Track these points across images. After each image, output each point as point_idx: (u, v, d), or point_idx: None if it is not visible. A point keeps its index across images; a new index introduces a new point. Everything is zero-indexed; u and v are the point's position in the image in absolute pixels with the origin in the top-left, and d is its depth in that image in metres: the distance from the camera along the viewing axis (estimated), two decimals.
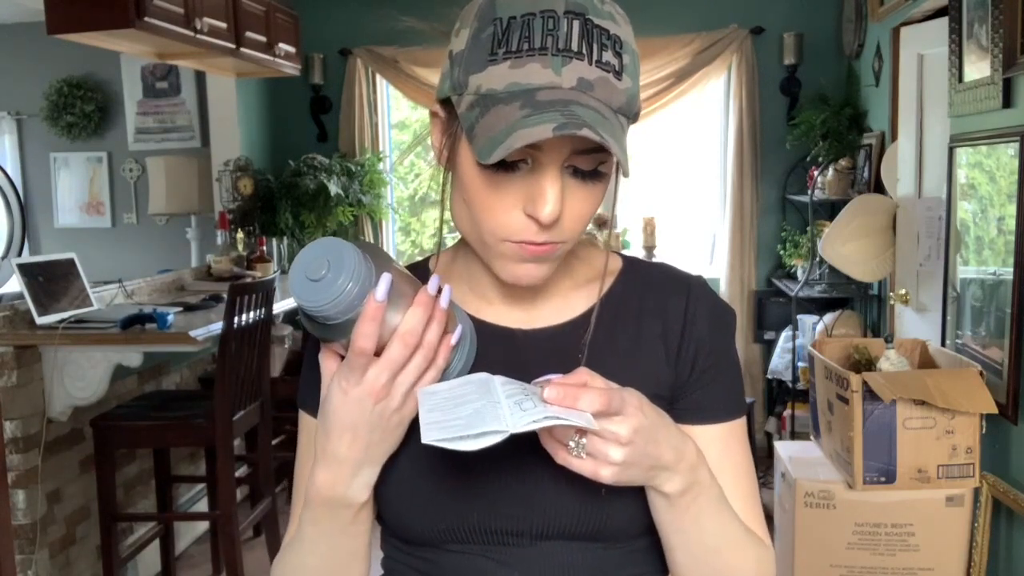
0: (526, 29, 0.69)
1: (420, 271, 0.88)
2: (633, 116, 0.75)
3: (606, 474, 0.67)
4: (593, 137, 0.66)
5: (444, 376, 0.74)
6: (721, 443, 0.84)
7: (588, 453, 0.67)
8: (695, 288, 0.86)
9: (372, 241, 4.60)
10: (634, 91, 0.73)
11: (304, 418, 0.87)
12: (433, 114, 0.80)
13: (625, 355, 0.83)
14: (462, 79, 0.72)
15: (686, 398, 0.84)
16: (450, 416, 0.64)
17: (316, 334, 0.71)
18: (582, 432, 0.66)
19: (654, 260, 0.95)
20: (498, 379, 0.69)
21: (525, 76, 0.69)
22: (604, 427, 0.66)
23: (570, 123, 0.66)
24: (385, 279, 0.67)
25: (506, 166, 0.71)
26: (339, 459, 0.73)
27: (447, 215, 0.83)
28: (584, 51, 0.69)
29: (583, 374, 0.68)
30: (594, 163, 0.73)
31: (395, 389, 0.70)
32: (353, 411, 0.71)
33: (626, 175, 0.71)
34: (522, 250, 0.74)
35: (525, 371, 0.80)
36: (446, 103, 0.76)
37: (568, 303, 0.85)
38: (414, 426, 0.71)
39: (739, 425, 0.86)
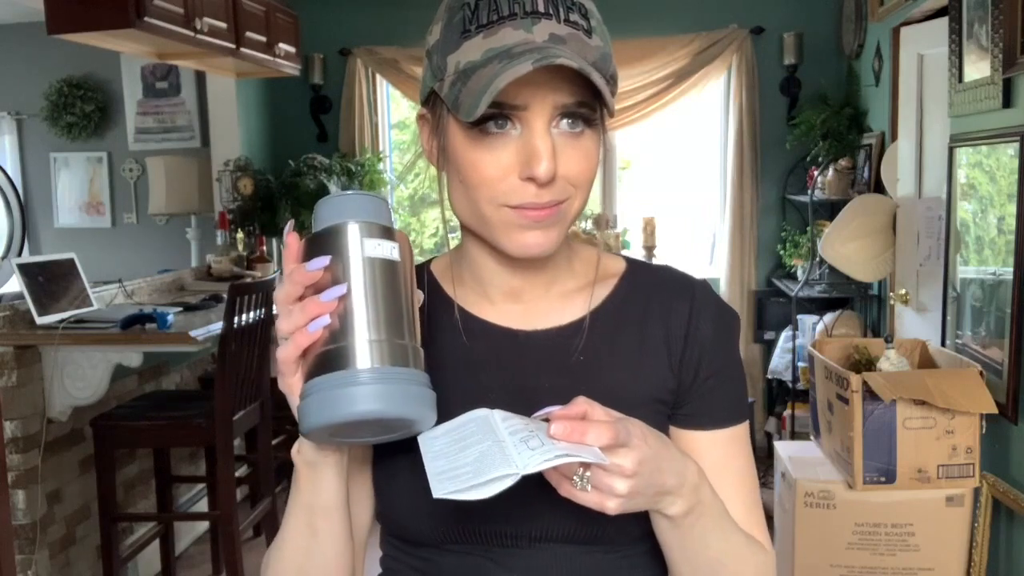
0: (493, 3, 0.71)
1: (419, 274, 0.87)
2: (610, 78, 0.75)
3: (612, 506, 0.67)
4: (571, 64, 0.67)
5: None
6: (723, 448, 0.83)
7: (593, 486, 0.66)
8: (699, 292, 0.85)
9: None
10: (606, 52, 0.74)
11: None
12: (420, 118, 0.81)
13: (627, 359, 0.82)
14: (440, 64, 0.74)
15: (689, 404, 0.83)
16: (457, 464, 0.63)
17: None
18: (586, 465, 0.65)
19: (655, 262, 0.93)
20: (498, 414, 0.68)
21: (499, 40, 0.70)
22: (610, 460, 0.65)
23: (546, 58, 0.67)
24: (318, 261, 0.67)
25: (495, 134, 0.72)
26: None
27: (448, 214, 0.82)
28: (551, 11, 0.71)
29: (582, 404, 0.67)
30: (583, 118, 0.74)
31: (285, 325, 0.68)
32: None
33: (611, 114, 0.74)
34: (523, 216, 0.74)
35: (525, 373, 0.81)
36: (429, 102, 0.78)
37: (571, 305, 0.84)
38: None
39: (742, 430, 0.86)
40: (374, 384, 0.64)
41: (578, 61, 0.68)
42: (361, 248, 0.66)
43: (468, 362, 0.83)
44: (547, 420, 0.66)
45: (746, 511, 0.83)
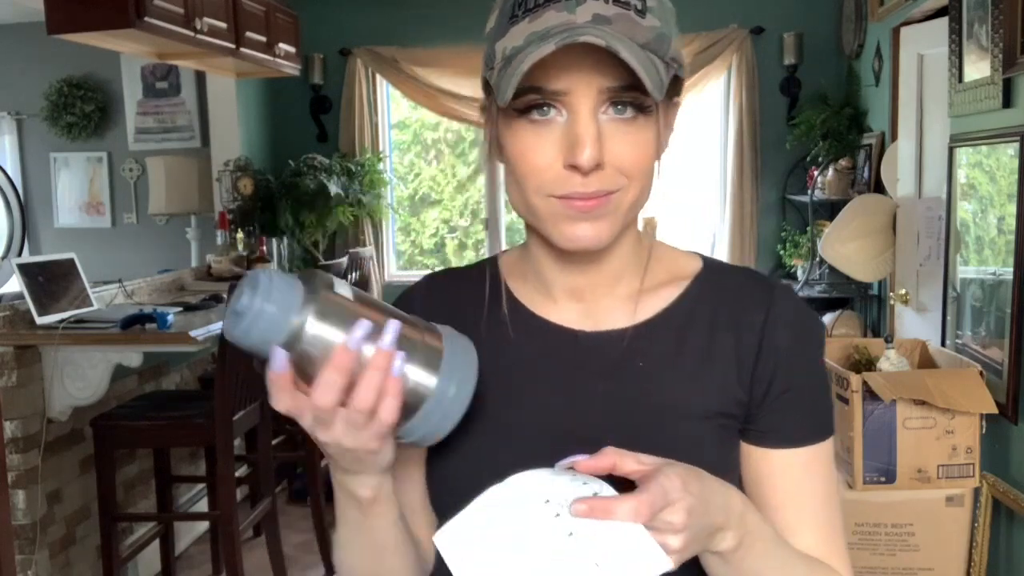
0: None
1: (482, 273, 0.85)
2: (670, 60, 0.70)
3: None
4: (598, 42, 0.63)
5: (428, 407, 0.66)
6: (801, 468, 0.77)
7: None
8: (778, 299, 0.78)
9: (374, 242, 4.60)
10: (664, 32, 0.69)
11: None
12: (481, 109, 0.78)
13: (691, 369, 0.77)
14: (490, 51, 0.72)
15: (761, 420, 0.77)
16: (484, 573, 0.60)
17: (264, 373, 0.64)
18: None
19: (736, 264, 0.88)
20: (536, 500, 0.62)
21: (541, 24, 0.67)
22: (659, 518, 0.61)
23: (571, 37, 0.64)
24: (279, 354, 0.60)
25: (540, 121, 0.69)
26: (334, 464, 0.71)
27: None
28: None
29: (610, 456, 0.63)
30: (634, 104, 0.70)
31: (334, 436, 0.64)
32: (319, 443, 0.67)
33: (673, 98, 0.71)
34: (570, 207, 0.70)
35: (581, 376, 0.77)
36: (487, 88, 0.74)
37: (635, 305, 0.79)
38: (467, 422, 0.69)
39: (822, 450, 0.78)
40: (457, 388, 0.67)
41: (611, 40, 0.64)
42: (334, 307, 0.63)
43: (520, 361, 0.79)
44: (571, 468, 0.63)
45: (821, 538, 0.77)
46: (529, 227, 0.79)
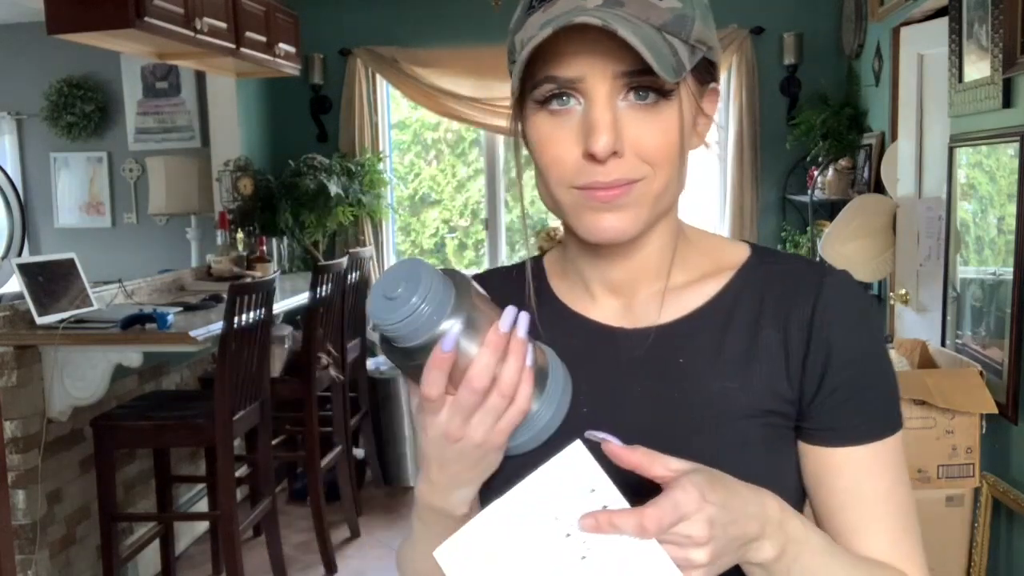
0: None
1: (522, 273, 0.83)
2: (696, 43, 0.68)
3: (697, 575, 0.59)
4: (593, 22, 0.62)
5: (528, 420, 0.68)
6: (861, 467, 0.73)
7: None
8: (828, 287, 0.73)
9: (374, 242, 4.60)
10: (685, 13, 0.67)
11: None
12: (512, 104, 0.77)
13: (734, 365, 0.73)
14: (511, 44, 0.71)
15: (816, 417, 0.73)
16: None
17: (394, 361, 0.67)
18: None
19: (787, 252, 0.85)
20: (549, 542, 0.60)
21: (553, 11, 0.66)
22: (677, 532, 0.58)
23: (570, 17, 0.63)
24: (455, 331, 0.62)
25: (559, 111, 0.68)
26: (432, 480, 0.70)
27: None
28: None
29: (639, 454, 0.61)
30: (652, 88, 0.67)
31: (472, 430, 0.65)
32: (434, 448, 0.67)
33: (706, 81, 0.68)
34: (591, 197, 0.68)
35: (620, 375, 0.75)
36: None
37: (678, 301, 0.76)
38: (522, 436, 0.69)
39: (886, 446, 0.73)
40: (553, 413, 0.69)
41: (611, 20, 0.62)
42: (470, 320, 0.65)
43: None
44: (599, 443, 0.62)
45: (890, 541, 0.73)
46: (564, 222, 0.76)
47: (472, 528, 0.62)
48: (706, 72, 0.72)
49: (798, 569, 0.65)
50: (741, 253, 0.79)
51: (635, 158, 0.68)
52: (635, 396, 0.74)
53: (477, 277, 0.86)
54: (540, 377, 0.68)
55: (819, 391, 0.72)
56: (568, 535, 0.59)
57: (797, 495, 0.75)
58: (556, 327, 0.79)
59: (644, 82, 0.66)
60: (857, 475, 0.73)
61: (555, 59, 0.66)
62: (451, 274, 0.66)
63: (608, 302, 0.78)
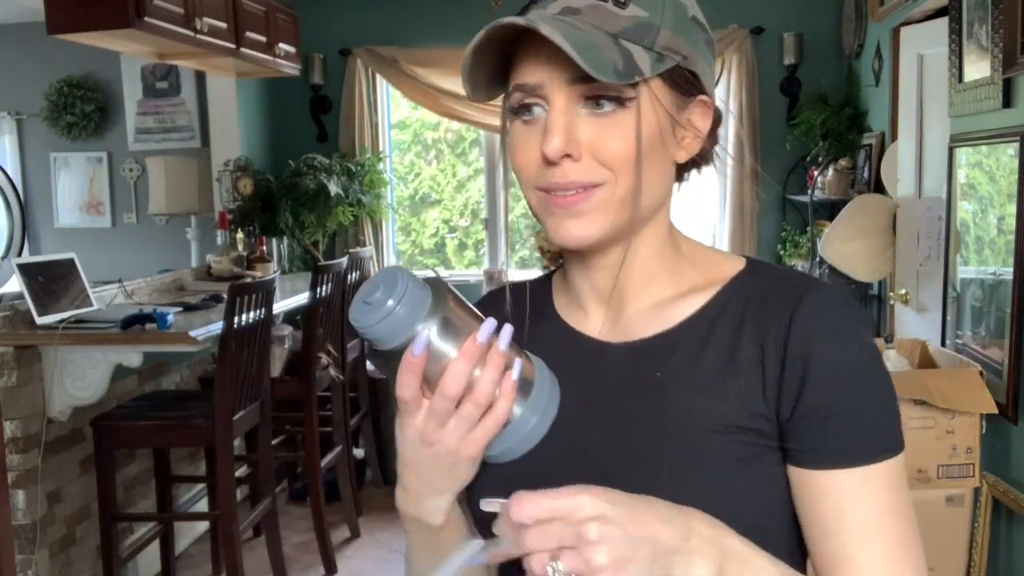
0: None
1: (541, 286, 0.86)
2: (663, 50, 0.69)
3: None
4: (517, 22, 0.65)
5: (510, 428, 0.69)
6: (845, 492, 0.68)
7: (569, 573, 0.57)
8: (807, 301, 0.70)
9: (373, 242, 4.60)
10: (647, 22, 0.68)
11: None
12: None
13: (710, 380, 0.71)
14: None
15: (795, 437, 0.69)
16: None
17: (376, 365, 0.70)
18: (555, 554, 0.57)
19: (782, 266, 0.84)
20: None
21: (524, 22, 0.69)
22: (564, 531, 0.57)
23: (498, 22, 0.65)
24: (423, 336, 0.64)
25: (527, 117, 0.71)
26: (406, 487, 0.72)
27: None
28: None
29: (524, 501, 0.59)
30: (603, 92, 0.69)
31: (445, 436, 0.67)
32: (409, 451, 0.69)
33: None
34: (552, 203, 0.71)
35: (605, 390, 0.76)
36: None
37: (665, 314, 0.76)
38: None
39: (880, 471, 0.68)
40: (539, 420, 0.70)
41: (541, 23, 0.64)
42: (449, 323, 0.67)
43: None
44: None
45: (880, 572, 0.67)
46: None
47: None
48: (686, 83, 0.72)
49: None
50: (734, 267, 0.77)
51: (591, 162, 0.69)
52: (615, 410, 0.74)
53: (492, 292, 0.89)
54: (525, 386, 0.69)
55: (796, 409, 0.69)
56: None
57: (783, 518, 0.72)
58: (552, 342, 0.80)
59: (598, 88, 0.67)
60: (841, 501, 0.68)
61: (522, 68, 0.70)
62: (431, 280, 0.68)
63: (599, 316, 0.79)
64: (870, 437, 0.69)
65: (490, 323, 0.66)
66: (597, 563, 0.56)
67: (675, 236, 0.79)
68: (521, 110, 0.71)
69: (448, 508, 0.73)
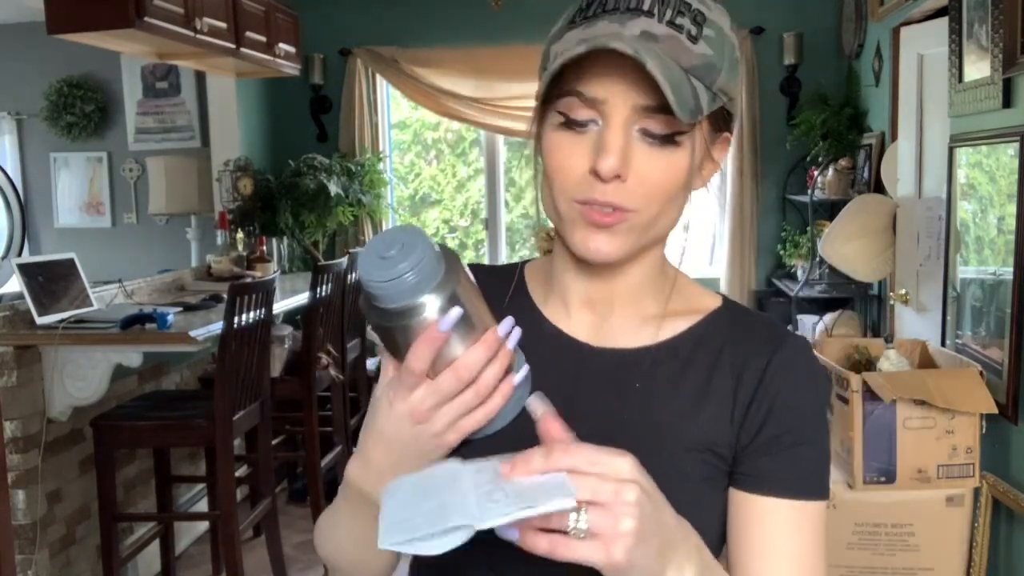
0: None
1: (509, 275, 0.86)
2: (718, 91, 0.70)
3: (619, 552, 0.56)
4: (624, 49, 0.63)
5: (492, 422, 0.70)
6: (779, 522, 0.74)
7: (592, 532, 0.56)
8: (787, 346, 0.77)
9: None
10: (713, 62, 0.69)
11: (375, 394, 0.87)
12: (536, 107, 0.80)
13: (685, 400, 0.76)
14: (546, 52, 0.74)
15: (748, 462, 0.75)
16: (412, 513, 0.59)
17: (368, 316, 0.68)
18: (580, 506, 0.56)
19: (757, 311, 0.87)
20: (470, 467, 0.62)
21: (592, 32, 0.69)
22: (610, 489, 0.57)
23: (606, 43, 0.64)
24: (455, 312, 0.64)
25: (577, 125, 0.70)
26: (370, 462, 0.72)
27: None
28: (655, 11, 0.68)
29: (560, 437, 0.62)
30: (666, 127, 0.69)
31: (438, 417, 0.68)
32: (392, 424, 0.69)
33: (720, 130, 0.70)
34: (588, 214, 0.71)
35: (582, 391, 0.77)
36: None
37: (648, 329, 0.79)
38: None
39: (808, 510, 0.75)
40: (512, 407, 0.71)
41: (643, 53, 0.64)
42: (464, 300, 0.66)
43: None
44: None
45: None
46: (557, 233, 0.79)
47: (415, 476, 0.64)
48: (722, 120, 0.75)
49: None
50: (713, 301, 0.82)
51: (636, 187, 0.70)
52: (589, 411, 0.76)
53: (472, 267, 0.88)
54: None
55: (756, 437, 0.75)
56: (482, 484, 0.59)
57: (719, 540, 0.77)
58: (527, 333, 0.79)
59: (660, 119, 0.69)
60: (774, 528, 0.74)
61: (584, 76, 0.68)
62: (446, 253, 0.67)
63: (582, 317, 0.81)
64: (812, 476, 0.76)
65: (508, 320, 0.68)
66: (623, 527, 0.56)
67: (666, 261, 0.83)
68: (571, 119, 0.70)
69: None
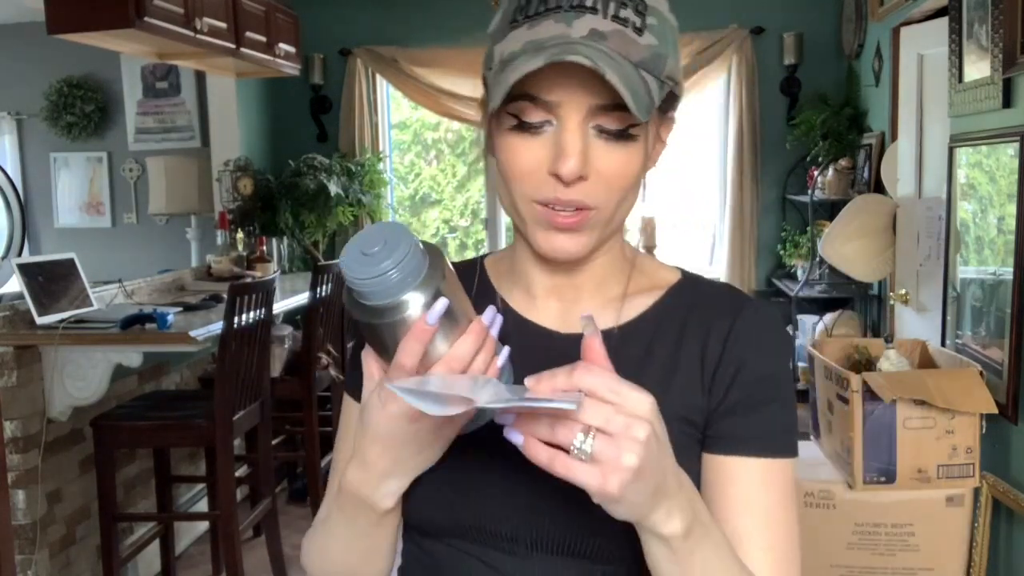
0: None
1: (471, 270, 0.87)
2: (666, 79, 0.72)
3: (614, 484, 0.57)
4: (585, 63, 0.64)
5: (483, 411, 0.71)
6: (753, 481, 0.76)
7: (595, 458, 0.57)
8: (748, 312, 0.79)
9: None
10: (660, 52, 0.70)
11: (346, 400, 0.87)
12: (480, 104, 0.79)
13: (657, 374, 0.77)
14: (490, 51, 0.74)
15: (717, 425, 0.77)
16: (426, 382, 0.63)
17: (350, 309, 0.68)
18: (588, 429, 0.57)
19: (717, 279, 0.89)
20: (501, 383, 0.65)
21: (538, 33, 0.69)
22: (620, 419, 0.58)
23: (563, 54, 0.64)
24: (441, 304, 0.64)
25: (531, 128, 0.70)
26: (368, 465, 0.72)
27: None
28: (598, 7, 0.68)
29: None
30: (621, 123, 0.70)
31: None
32: (387, 424, 0.68)
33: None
34: (551, 217, 0.72)
35: None
36: (486, 84, 0.76)
37: (613, 311, 0.81)
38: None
39: (782, 467, 0.77)
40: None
41: (599, 60, 0.65)
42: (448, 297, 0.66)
43: None
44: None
45: (770, 561, 0.75)
46: (517, 228, 0.80)
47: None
48: (667, 103, 0.76)
49: (700, 555, 0.66)
50: (673, 275, 0.85)
51: (597, 184, 0.71)
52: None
53: None
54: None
55: (724, 400, 0.77)
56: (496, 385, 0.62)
57: None
58: (502, 326, 0.81)
59: (615, 116, 0.70)
60: (747, 488, 0.76)
61: (535, 80, 0.68)
62: (429, 249, 0.67)
63: (549, 305, 0.83)
64: (779, 435, 0.78)
65: (491, 310, 0.69)
66: (625, 462, 0.57)
67: (623, 242, 0.84)
68: (523, 121, 0.70)
69: (399, 493, 0.74)
